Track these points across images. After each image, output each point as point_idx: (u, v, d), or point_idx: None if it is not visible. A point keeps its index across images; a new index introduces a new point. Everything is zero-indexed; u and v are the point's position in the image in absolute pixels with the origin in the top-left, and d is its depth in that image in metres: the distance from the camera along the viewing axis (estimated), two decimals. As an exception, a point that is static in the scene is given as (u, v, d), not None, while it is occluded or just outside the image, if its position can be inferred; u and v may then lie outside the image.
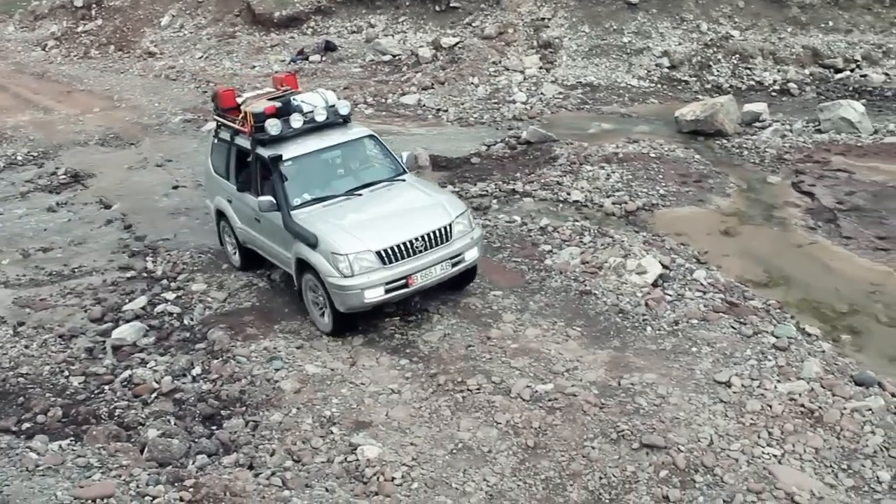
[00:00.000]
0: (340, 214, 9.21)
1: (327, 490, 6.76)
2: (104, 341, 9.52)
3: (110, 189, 14.89)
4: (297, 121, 9.75)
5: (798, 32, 19.71)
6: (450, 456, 7.14)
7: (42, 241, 12.69)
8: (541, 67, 19.96)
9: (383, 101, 19.25)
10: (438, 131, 16.94)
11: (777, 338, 8.57)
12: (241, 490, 6.58)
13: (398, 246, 8.77)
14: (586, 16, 20.88)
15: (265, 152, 9.63)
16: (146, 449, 7.28)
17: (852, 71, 18.73)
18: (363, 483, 6.85)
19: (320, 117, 9.92)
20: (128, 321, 9.88)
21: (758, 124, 15.85)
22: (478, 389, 7.96)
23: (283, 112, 9.77)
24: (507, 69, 19.90)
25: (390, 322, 9.37)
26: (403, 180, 9.86)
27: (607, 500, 6.57)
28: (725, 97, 16.32)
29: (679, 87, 18.96)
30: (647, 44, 20.08)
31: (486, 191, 13.13)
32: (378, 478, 6.85)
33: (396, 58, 22.14)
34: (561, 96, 18.51)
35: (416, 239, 8.85)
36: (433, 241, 8.96)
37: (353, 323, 9.21)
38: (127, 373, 8.81)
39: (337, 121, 10.12)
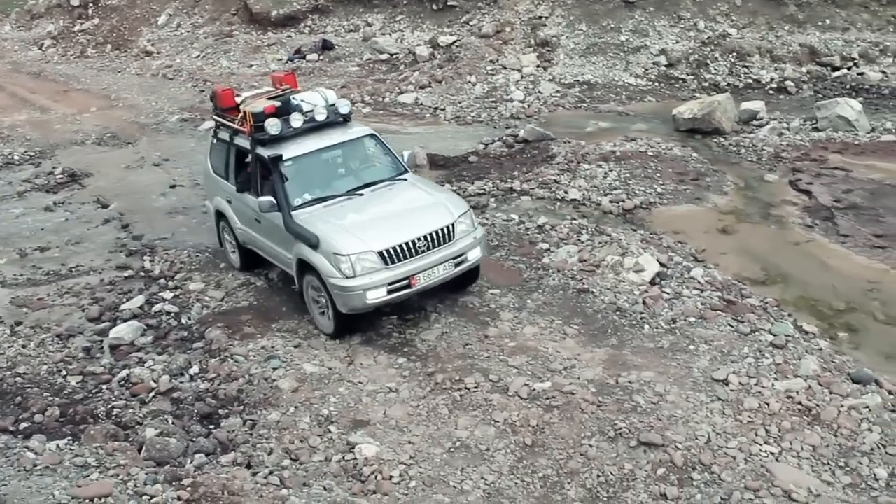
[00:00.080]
0: (342, 214, 9.11)
1: (325, 489, 6.75)
2: (102, 341, 9.50)
3: (107, 188, 14.87)
4: (297, 120, 9.65)
5: (795, 30, 19.72)
6: (447, 454, 7.14)
7: (39, 241, 12.68)
8: (538, 66, 19.97)
9: (381, 99, 19.25)
10: (436, 130, 16.94)
11: (774, 336, 8.58)
12: (239, 489, 6.58)
13: (400, 246, 8.68)
14: (583, 14, 20.89)
15: (265, 152, 9.54)
16: (144, 448, 7.27)
17: (849, 69, 18.74)
18: (361, 482, 6.85)
19: (320, 116, 9.83)
20: (125, 320, 9.87)
21: (755, 122, 15.86)
22: (475, 388, 7.96)
23: (283, 111, 9.66)
24: (505, 68, 19.90)
25: (388, 321, 9.36)
26: (405, 179, 9.78)
27: (605, 498, 6.57)
28: (723, 95, 16.33)
29: (676, 86, 18.97)
30: (645, 42, 20.09)
31: (484, 189, 13.13)
32: (376, 476, 6.86)
33: (394, 56, 22.14)
34: (558, 95, 18.52)
35: (419, 239, 8.75)
36: (436, 241, 8.86)
37: (356, 324, 9.13)
38: (124, 372, 8.79)
39: (337, 120, 10.03)
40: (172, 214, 13.38)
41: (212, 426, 7.82)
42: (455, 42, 21.31)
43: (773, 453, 6.91)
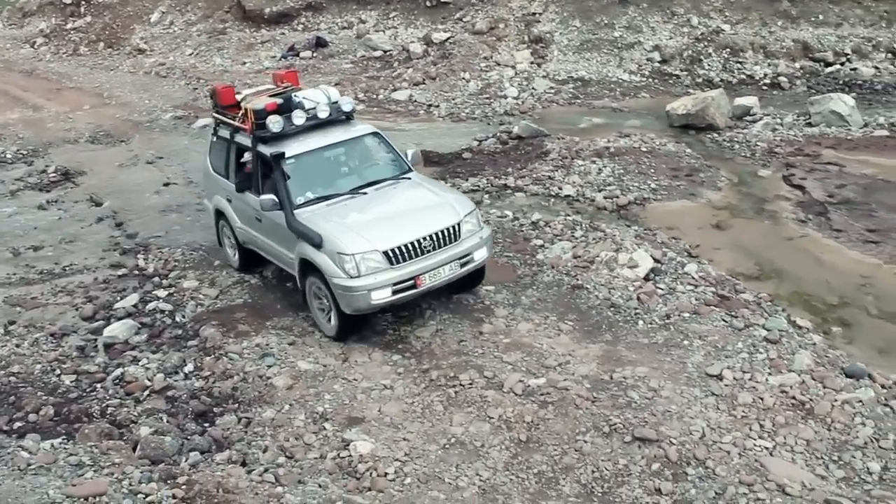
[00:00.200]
0: (345, 213, 8.95)
1: (320, 486, 6.76)
2: (96, 339, 9.48)
3: (101, 187, 14.84)
4: (299, 118, 9.50)
5: (788, 26, 19.74)
6: (442, 451, 7.15)
7: (32, 240, 12.64)
8: (532, 62, 19.96)
9: (374, 96, 19.22)
10: (430, 127, 16.93)
11: (768, 331, 8.60)
12: (234, 487, 6.58)
13: (406, 246, 8.53)
14: (577, 10, 20.88)
15: (267, 150, 9.41)
16: (139, 446, 7.26)
17: (842, 64, 18.76)
18: (356, 478, 6.85)
19: (323, 114, 9.69)
20: (119, 319, 9.85)
21: (748, 118, 15.88)
22: (470, 384, 7.97)
23: (285, 109, 9.50)
24: (499, 64, 19.89)
25: (382, 318, 9.35)
26: (409, 178, 9.63)
27: (600, 494, 6.59)
28: (716, 91, 16.34)
29: (670, 82, 18.98)
30: (638, 38, 20.09)
31: (478, 186, 13.13)
32: (371, 473, 6.86)
33: (387, 53, 22.11)
34: (552, 91, 18.52)
35: (424, 238, 8.61)
36: (441, 241, 8.72)
37: (359, 326, 9.00)
38: (119, 371, 8.78)
39: (340, 118, 9.89)
40: (166, 212, 13.35)
41: (206, 424, 7.81)
42: (449, 39, 21.29)
43: (767, 448, 6.94)
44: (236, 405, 8.04)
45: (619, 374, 7.97)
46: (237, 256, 10.79)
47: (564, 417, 7.37)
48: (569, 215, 11.74)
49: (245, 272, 10.74)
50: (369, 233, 8.58)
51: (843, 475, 6.68)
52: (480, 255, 9.10)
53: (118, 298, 10.41)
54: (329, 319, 8.98)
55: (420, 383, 8.15)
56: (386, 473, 6.86)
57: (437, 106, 18.21)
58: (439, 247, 8.71)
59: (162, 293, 10.47)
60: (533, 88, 18.65)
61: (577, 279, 9.86)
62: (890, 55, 18.80)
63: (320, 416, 7.72)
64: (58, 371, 8.83)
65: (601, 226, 11.16)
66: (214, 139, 10.96)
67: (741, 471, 6.67)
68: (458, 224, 8.86)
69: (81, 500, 6.17)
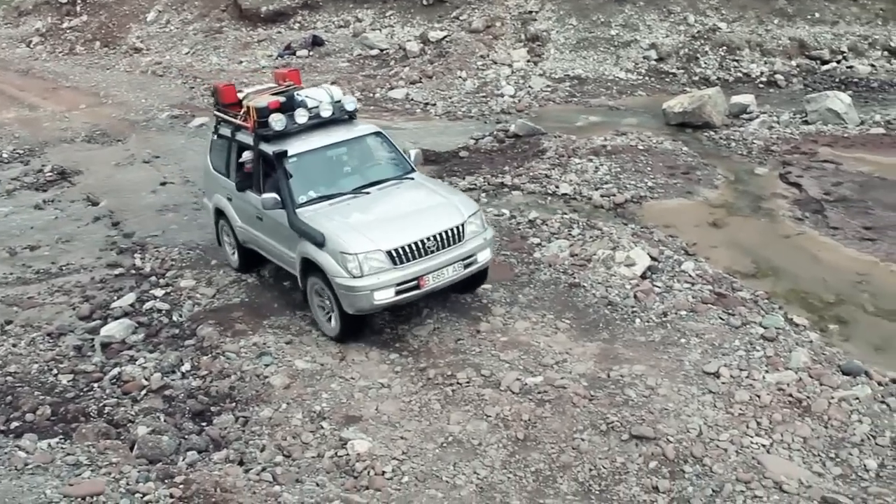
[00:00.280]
0: (348, 213, 8.86)
1: (318, 485, 6.75)
2: (93, 339, 9.46)
3: (97, 186, 14.81)
4: (302, 116, 9.37)
5: (785, 24, 19.78)
6: (440, 449, 7.14)
7: (29, 239, 12.61)
8: (528, 61, 19.98)
9: (371, 95, 19.22)
10: (426, 125, 16.94)
11: (765, 328, 8.61)
12: (232, 486, 6.57)
13: (409, 245, 8.43)
14: (574, 8, 20.90)
15: (269, 148, 9.33)
16: (136, 446, 7.25)
17: (839, 62, 18.81)
18: (354, 477, 6.84)
19: (326, 113, 9.60)
20: (116, 318, 9.83)
21: (745, 116, 15.92)
22: (467, 383, 7.97)
23: (288, 107, 9.37)
24: (495, 63, 19.90)
25: (380, 317, 9.33)
26: (412, 178, 9.54)
27: (597, 492, 6.59)
28: (713, 89, 16.38)
29: (667, 80, 19.01)
30: (635, 36, 20.12)
31: (475, 184, 13.13)
32: (368, 472, 6.85)
33: (384, 52, 22.12)
34: (549, 89, 18.54)
35: (428, 238, 8.51)
36: (445, 241, 8.62)
37: (361, 327, 8.92)
38: (116, 370, 8.76)
39: (342, 117, 9.81)
40: (163, 212, 13.32)
41: (204, 423, 7.79)
42: (445, 37, 21.29)
43: (764, 445, 6.94)
44: (233, 404, 8.04)
45: (616, 373, 7.97)
46: (237, 256, 10.71)
47: (562, 416, 7.37)
48: (566, 213, 11.74)
49: (244, 273, 10.69)
50: (373, 232, 8.50)
51: (840, 472, 6.69)
52: (484, 257, 9.03)
53: (115, 298, 10.39)
54: (330, 320, 8.91)
55: (417, 382, 8.15)
56: (383, 472, 6.85)
57: (434, 104, 18.22)
58: (443, 247, 8.62)
59: (159, 292, 10.46)
60: (529, 87, 18.67)
61: (574, 277, 9.86)
62: (886, 53, 18.87)
63: (318, 414, 7.71)
64: (55, 371, 8.81)
65: (598, 224, 11.17)
66: (215, 138, 10.84)
67: (738, 468, 6.67)
68: (462, 225, 8.79)
69: (79, 499, 6.16)
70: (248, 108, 9.58)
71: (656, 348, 8.45)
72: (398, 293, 8.46)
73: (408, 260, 8.45)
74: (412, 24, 22.84)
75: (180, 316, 9.93)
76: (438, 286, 8.72)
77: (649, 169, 13.36)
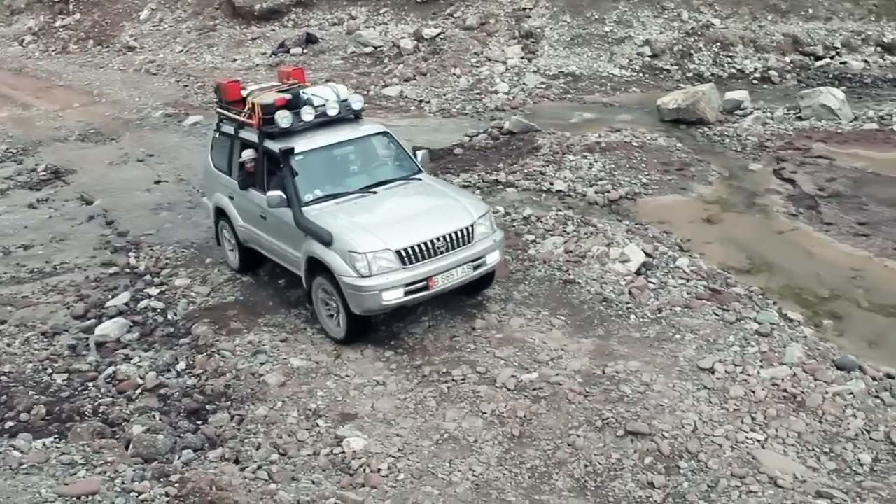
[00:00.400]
0: (355, 212, 8.73)
1: (314, 483, 6.75)
2: (87, 338, 9.44)
3: (91, 185, 14.78)
4: (308, 114, 9.26)
5: (778, 20, 19.81)
6: (436, 446, 7.15)
7: (23, 239, 12.58)
8: (523, 57, 19.99)
9: (365, 93, 19.15)
10: (421, 123, 16.93)
11: (760, 324, 8.63)
12: (228, 484, 6.56)
13: (419, 245, 8.31)
14: (568, 5, 20.90)
15: (274, 145, 9.17)
16: (131, 445, 7.24)
17: (832, 58, 18.87)
18: (349, 475, 6.84)
19: (332, 111, 9.50)
20: (111, 317, 9.81)
21: (739, 112, 15.94)
22: (463, 380, 7.97)
23: (293, 105, 9.27)
24: (490, 60, 19.91)
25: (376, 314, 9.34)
26: (419, 179, 9.46)
27: (593, 488, 6.60)
28: (707, 85, 16.40)
29: (661, 76, 19.03)
30: (629, 33, 20.14)
31: (470, 182, 13.13)
32: (364, 469, 6.85)
33: (378, 49, 22.10)
34: (543, 86, 18.55)
35: (438, 239, 8.39)
36: (455, 242, 8.51)
37: (368, 328, 8.80)
38: (111, 369, 8.75)
39: (348, 116, 9.72)
40: (157, 210, 13.30)
41: (199, 422, 7.78)
42: (439, 34, 21.28)
43: (758, 440, 6.96)
44: (229, 403, 8.03)
45: (611, 369, 7.98)
46: (237, 257, 10.59)
47: (557, 412, 7.38)
48: (560, 210, 11.75)
49: (244, 273, 10.59)
50: (382, 231, 8.37)
51: (835, 467, 6.71)
52: (493, 259, 8.93)
53: (110, 297, 10.38)
54: (337, 322, 8.79)
55: (413, 379, 8.15)
56: (379, 469, 6.85)
57: (428, 102, 18.22)
58: (453, 248, 8.51)
59: (153, 291, 10.45)
60: (524, 84, 18.68)
61: (569, 274, 9.87)
62: (879, 49, 18.93)
63: (313, 412, 7.71)
64: (49, 370, 8.80)
65: (593, 220, 11.17)
66: (217, 135, 10.69)
67: (733, 464, 6.69)
68: (472, 226, 8.67)
69: (74, 499, 6.15)
70: (253, 104, 9.47)
71: (651, 344, 8.46)
72: (407, 294, 8.34)
73: (417, 260, 8.34)
74: (406, 22, 22.83)
75: (175, 314, 9.91)
76: (448, 287, 8.62)
77: (643, 165, 13.37)
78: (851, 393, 7.41)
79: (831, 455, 6.82)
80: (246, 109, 9.65)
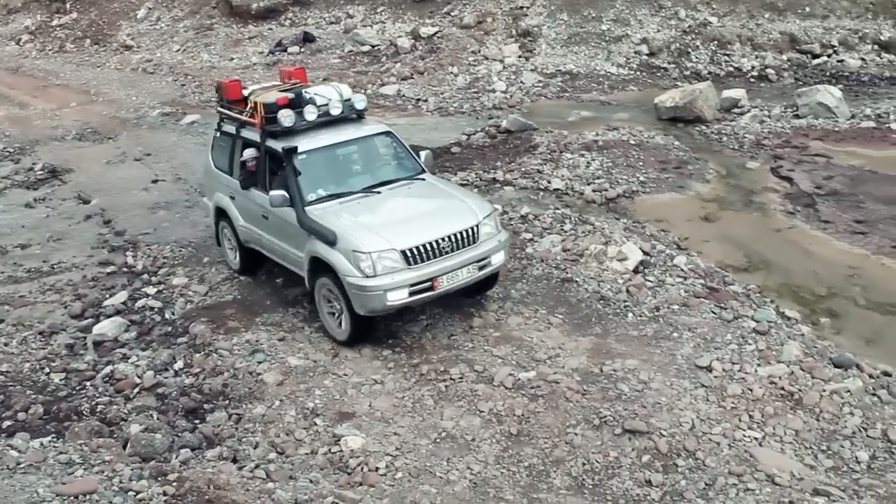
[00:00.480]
0: (359, 211, 8.68)
1: (311, 481, 6.75)
2: (85, 337, 9.44)
3: (89, 184, 14.75)
4: (311, 113, 9.21)
5: (775, 18, 19.83)
6: (433, 445, 7.15)
7: (20, 238, 12.56)
8: (520, 56, 19.98)
9: (363, 91, 19.11)
10: (418, 121, 16.91)
11: (757, 322, 8.64)
12: (225, 483, 6.56)
13: (424, 246, 8.26)
14: (565, 4, 20.89)
15: (277, 145, 9.12)
16: (129, 444, 7.24)
17: (829, 56, 18.89)
18: (347, 474, 6.84)
19: (335, 111, 9.46)
20: (108, 316, 9.80)
21: (736, 110, 15.95)
22: (460, 378, 7.97)
23: (296, 104, 9.22)
24: (487, 58, 19.90)
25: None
26: (423, 179, 9.40)
27: (591, 486, 6.61)
28: (704, 84, 16.41)
29: (658, 75, 19.03)
30: (626, 31, 20.14)
31: (467, 180, 13.12)
32: (362, 468, 6.85)
33: (375, 48, 22.08)
34: (540, 84, 18.53)
35: (443, 239, 8.34)
36: (460, 243, 8.45)
37: (372, 329, 8.74)
38: (108, 368, 8.74)
39: (351, 115, 9.67)
40: (154, 209, 13.28)
41: (197, 421, 7.78)
42: (437, 33, 21.27)
43: (756, 438, 6.97)
44: (227, 402, 8.02)
45: (609, 367, 7.99)
46: (238, 258, 10.53)
47: (555, 410, 7.39)
48: (558, 209, 11.74)
49: (245, 274, 10.53)
50: (386, 231, 8.32)
51: (832, 464, 6.72)
52: (498, 259, 8.88)
53: (107, 296, 10.36)
54: (340, 323, 8.75)
55: (410, 378, 8.15)
56: (377, 468, 6.85)
57: (426, 100, 18.20)
58: (458, 248, 8.46)
59: (151, 290, 10.43)
60: (521, 82, 18.67)
61: (567, 272, 9.87)
62: (876, 47, 18.96)
63: (311, 411, 7.71)
64: (47, 369, 8.79)
65: (590, 219, 11.17)
66: (218, 135, 10.63)
67: (731, 461, 6.70)
68: (477, 226, 8.62)
69: (71, 498, 6.14)
70: (255, 103, 9.42)
71: (649, 343, 8.47)
72: (412, 294, 8.30)
73: (422, 260, 8.29)
74: (403, 20, 22.82)
75: (173, 314, 9.90)
76: (452, 288, 8.57)
77: (641, 164, 13.37)
78: (849, 391, 7.42)
79: (829, 453, 6.83)
80: (248, 109, 9.60)
